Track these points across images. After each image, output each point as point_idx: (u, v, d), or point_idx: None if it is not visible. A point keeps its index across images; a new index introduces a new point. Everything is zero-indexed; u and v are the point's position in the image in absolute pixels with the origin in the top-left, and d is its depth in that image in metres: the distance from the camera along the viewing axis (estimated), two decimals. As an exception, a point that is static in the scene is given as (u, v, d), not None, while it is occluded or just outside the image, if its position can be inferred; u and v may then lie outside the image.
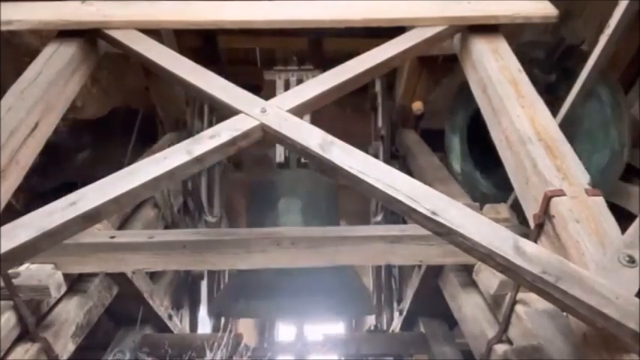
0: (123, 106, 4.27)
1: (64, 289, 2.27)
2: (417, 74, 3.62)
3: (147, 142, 3.98)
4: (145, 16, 2.34)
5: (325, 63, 3.82)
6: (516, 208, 2.38)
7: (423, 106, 3.79)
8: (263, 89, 3.72)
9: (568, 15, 3.27)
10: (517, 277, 1.49)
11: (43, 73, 2.13)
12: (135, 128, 4.16)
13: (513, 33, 2.43)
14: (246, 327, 6.28)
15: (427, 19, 2.36)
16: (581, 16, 3.42)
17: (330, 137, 1.81)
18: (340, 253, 2.41)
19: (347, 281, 3.74)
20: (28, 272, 2.15)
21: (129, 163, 1.85)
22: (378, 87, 4.07)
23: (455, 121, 3.69)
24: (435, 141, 3.87)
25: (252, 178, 4.07)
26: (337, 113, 4.64)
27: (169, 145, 1.86)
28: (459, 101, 3.63)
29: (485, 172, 3.61)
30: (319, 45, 4.43)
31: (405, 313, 3.54)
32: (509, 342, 2.10)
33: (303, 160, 3.66)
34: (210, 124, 3.54)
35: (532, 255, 1.46)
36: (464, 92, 3.41)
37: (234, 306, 3.69)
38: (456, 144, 3.69)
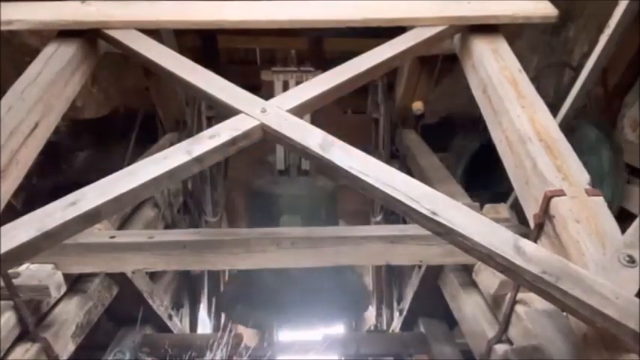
0: (122, 108, 4.27)
1: (64, 289, 2.27)
2: (417, 74, 3.62)
3: (147, 142, 3.99)
4: (145, 16, 2.34)
5: (325, 63, 3.84)
6: (516, 208, 2.39)
7: (423, 106, 3.80)
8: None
9: (568, 15, 3.27)
10: (517, 277, 1.49)
11: (43, 73, 2.13)
12: (135, 130, 4.16)
13: (513, 33, 2.43)
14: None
15: (427, 19, 2.36)
16: (581, 17, 3.42)
17: (330, 137, 1.81)
18: (340, 253, 2.40)
19: (347, 283, 3.76)
20: (28, 272, 2.15)
21: (129, 164, 1.85)
22: (380, 96, 4.07)
23: (459, 153, 3.74)
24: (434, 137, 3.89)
25: (252, 178, 4.06)
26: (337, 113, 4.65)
27: (169, 145, 1.86)
28: (456, 157, 3.70)
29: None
30: (319, 45, 4.43)
31: (405, 313, 3.54)
32: (509, 342, 2.10)
33: (302, 167, 3.68)
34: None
35: (532, 255, 1.46)
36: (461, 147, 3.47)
37: (233, 310, 3.74)
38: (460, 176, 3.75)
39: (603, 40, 2.74)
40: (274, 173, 3.75)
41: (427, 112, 3.94)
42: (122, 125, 4.40)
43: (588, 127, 3.34)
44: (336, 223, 3.95)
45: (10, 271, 1.96)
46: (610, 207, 3.05)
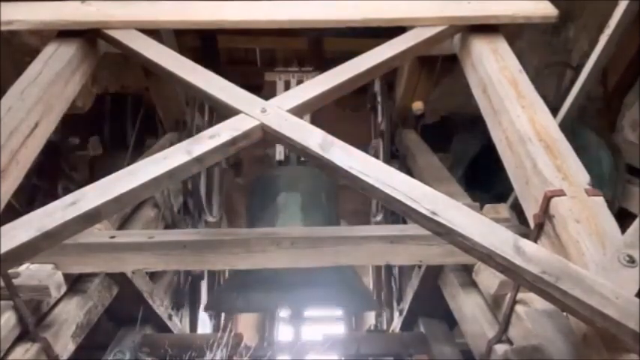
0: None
1: (64, 289, 2.27)
2: (417, 74, 3.62)
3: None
4: (145, 16, 2.34)
5: (325, 63, 3.84)
6: (516, 209, 2.39)
7: (423, 106, 3.79)
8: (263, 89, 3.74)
9: (568, 15, 3.27)
10: (517, 277, 1.49)
11: (43, 73, 2.13)
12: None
13: (513, 33, 2.43)
14: (246, 327, 6.28)
15: (427, 19, 2.36)
16: (581, 17, 3.42)
17: (330, 137, 1.81)
18: (340, 253, 2.40)
19: (347, 279, 3.75)
20: (28, 272, 2.15)
21: (129, 163, 1.85)
22: (377, 87, 4.08)
23: (460, 157, 3.75)
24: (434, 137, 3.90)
25: (252, 176, 4.08)
26: (337, 113, 4.65)
27: (169, 145, 1.86)
28: (463, 140, 3.70)
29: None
30: (319, 45, 4.43)
31: (405, 313, 3.53)
32: (509, 342, 2.10)
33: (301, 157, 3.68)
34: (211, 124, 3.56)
35: (532, 255, 1.46)
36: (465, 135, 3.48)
37: (232, 301, 3.70)
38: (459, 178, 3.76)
39: (603, 40, 2.74)
40: (274, 165, 3.77)
41: (427, 111, 3.94)
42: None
43: (587, 131, 3.36)
44: (336, 207, 3.93)
45: (10, 271, 1.96)
46: (610, 208, 3.05)
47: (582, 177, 1.70)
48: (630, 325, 1.32)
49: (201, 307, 4.49)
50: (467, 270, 2.56)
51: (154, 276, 3.32)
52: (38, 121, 2.00)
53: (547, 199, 1.63)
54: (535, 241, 1.67)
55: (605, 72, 3.19)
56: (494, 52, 2.23)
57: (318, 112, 2.48)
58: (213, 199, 4.17)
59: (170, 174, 1.74)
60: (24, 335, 2.08)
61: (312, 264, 2.44)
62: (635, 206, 3.03)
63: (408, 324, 3.57)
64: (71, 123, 3.99)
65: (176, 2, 2.40)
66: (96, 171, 4.45)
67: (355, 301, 3.98)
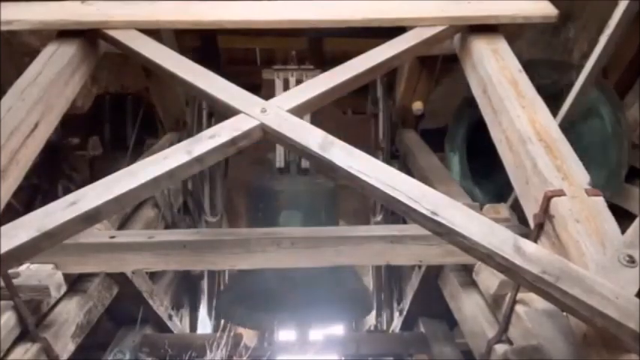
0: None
1: (64, 289, 2.27)
2: (417, 74, 3.62)
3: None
4: (145, 16, 2.34)
5: (325, 63, 3.83)
6: (516, 209, 2.39)
7: (423, 106, 3.79)
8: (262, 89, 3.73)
9: (568, 15, 3.27)
10: (517, 277, 1.49)
11: (43, 73, 2.13)
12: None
13: (513, 33, 2.43)
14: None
15: (427, 19, 2.36)
16: (581, 17, 3.42)
17: (330, 137, 1.81)
18: (340, 253, 2.40)
19: (347, 283, 3.77)
20: (28, 272, 2.15)
21: (129, 163, 1.86)
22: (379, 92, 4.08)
23: (454, 139, 3.74)
24: (435, 141, 3.88)
25: (252, 178, 4.06)
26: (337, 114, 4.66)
27: (169, 145, 1.87)
28: (457, 120, 3.67)
29: (484, 186, 3.64)
30: (319, 45, 4.43)
31: (405, 313, 3.53)
32: (509, 342, 2.10)
33: (302, 166, 3.68)
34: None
35: (532, 255, 1.46)
36: (462, 110, 3.47)
37: (234, 312, 3.75)
38: (455, 163, 3.74)
39: (603, 40, 2.74)
40: (274, 171, 3.75)
41: (427, 113, 3.94)
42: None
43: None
44: (336, 220, 3.94)
45: (10, 271, 1.96)
46: (619, 170, 2.96)
47: (582, 177, 1.71)
48: (630, 325, 1.32)
49: (202, 306, 4.50)
50: (467, 270, 2.56)
51: (154, 276, 3.32)
52: (38, 121, 2.00)
53: (547, 199, 1.63)
54: (535, 241, 1.67)
55: (605, 72, 3.19)
56: (494, 52, 2.23)
57: (318, 113, 2.47)
58: (214, 199, 4.17)
59: (170, 174, 1.74)
60: (24, 335, 2.07)
61: (312, 264, 2.44)
62: (635, 206, 3.02)
63: (408, 324, 3.57)
64: (71, 123, 3.99)
65: (176, 2, 2.40)
66: (96, 171, 4.44)
67: (356, 310, 4.00)
